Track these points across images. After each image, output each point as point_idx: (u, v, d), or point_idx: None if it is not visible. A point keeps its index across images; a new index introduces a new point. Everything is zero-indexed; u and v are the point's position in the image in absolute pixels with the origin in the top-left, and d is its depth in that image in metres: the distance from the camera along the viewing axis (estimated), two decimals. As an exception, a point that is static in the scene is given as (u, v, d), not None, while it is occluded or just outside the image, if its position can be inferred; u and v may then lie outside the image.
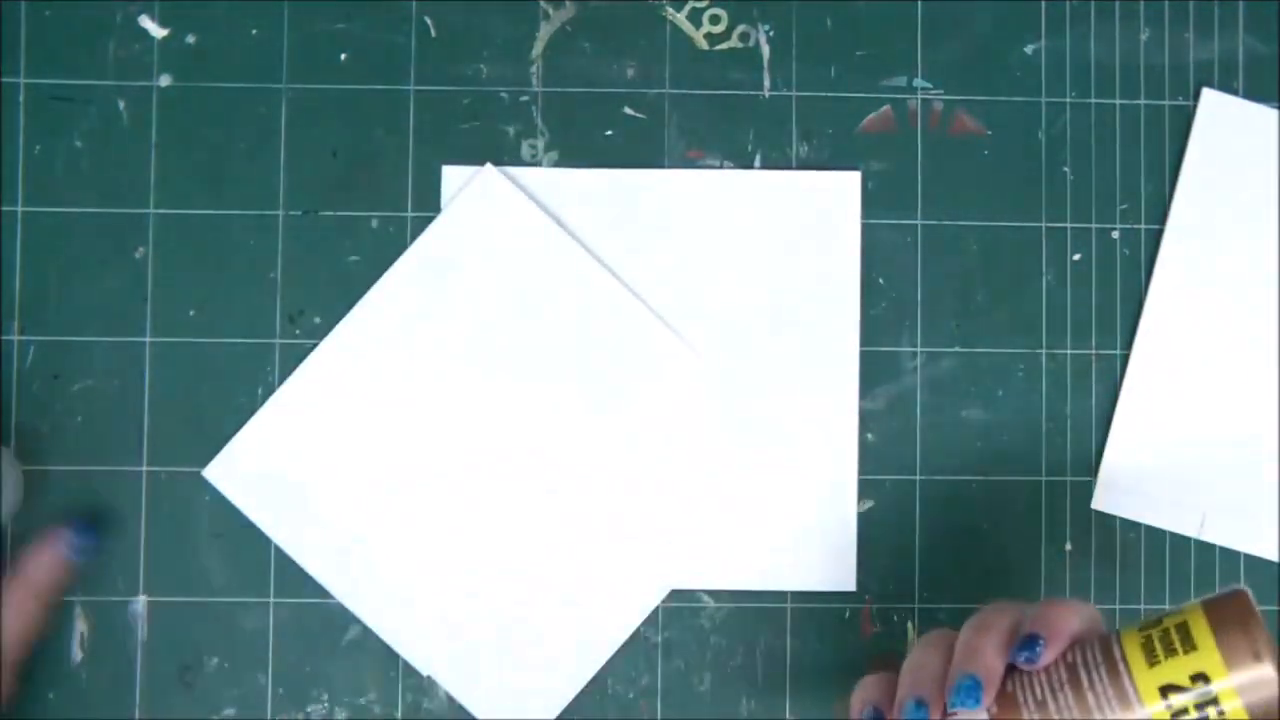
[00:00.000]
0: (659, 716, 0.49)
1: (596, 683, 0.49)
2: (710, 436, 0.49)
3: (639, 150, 0.50)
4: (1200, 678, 0.31)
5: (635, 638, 0.49)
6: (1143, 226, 0.51)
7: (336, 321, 0.49)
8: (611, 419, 0.49)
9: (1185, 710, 0.31)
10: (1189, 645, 0.31)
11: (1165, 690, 0.31)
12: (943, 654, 0.36)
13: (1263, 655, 0.30)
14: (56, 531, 0.47)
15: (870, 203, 0.50)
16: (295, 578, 0.49)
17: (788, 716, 0.49)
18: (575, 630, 0.48)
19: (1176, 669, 0.31)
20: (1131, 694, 0.32)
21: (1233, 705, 0.31)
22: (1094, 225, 0.51)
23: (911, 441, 0.50)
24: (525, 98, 0.50)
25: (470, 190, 0.49)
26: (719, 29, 0.51)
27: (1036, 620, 0.35)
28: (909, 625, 0.49)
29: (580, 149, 0.50)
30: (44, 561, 0.46)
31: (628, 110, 0.50)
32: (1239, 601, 0.32)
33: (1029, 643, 0.34)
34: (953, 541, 0.50)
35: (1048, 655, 0.34)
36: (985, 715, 0.34)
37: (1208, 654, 0.31)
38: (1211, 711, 0.31)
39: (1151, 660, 0.32)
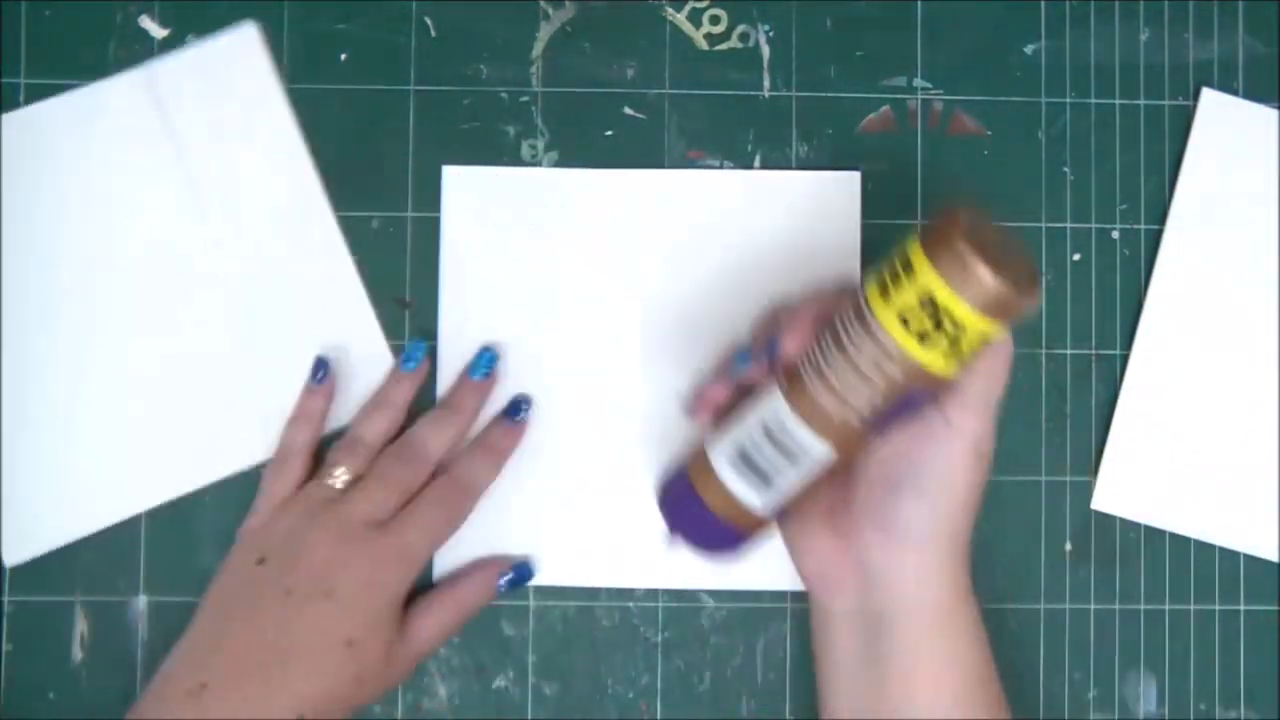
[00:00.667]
0: (659, 716, 0.49)
1: (596, 683, 0.49)
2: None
3: (639, 150, 0.50)
4: (927, 299, 0.33)
5: (635, 638, 0.49)
6: (1143, 226, 0.51)
7: (336, 321, 0.49)
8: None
9: (925, 331, 0.34)
10: (910, 272, 0.34)
11: (904, 319, 0.34)
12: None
13: (969, 262, 0.33)
14: (497, 558, 0.48)
15: (870, 203, 0.50)
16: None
17: (788, 716, 0.49)
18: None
19: (906, 297, 0.34)
20: (879, 333, 0.35)
21: (961, 310, 0.33)
22: (1094, 225, 0.51)
23: (911, 441, 0.50)
24: (525, 98, 0.50)
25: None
26: (719, 29, 0.51)
27: (776, 323, 0.40)
28: (909, 625, 0.49)
29: (580, 149, 0.50)
30: (476, 583, 0.47)
31: (628, 110, 0.50)
32: (945, 219, 0.34)
33: (770, 345, 0.40)
34: (953, 541, 0.50)
35: (785, 345, 0.38)
36: (776, 387, 0.38)
37: (926, 275, 0.33)
38: (945, 323, 0.34)
39: (885, 296, 0.35)
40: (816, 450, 0.38)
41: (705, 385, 0.43)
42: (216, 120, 0.49)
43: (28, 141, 0.48)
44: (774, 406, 0.38)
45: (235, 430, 0.48)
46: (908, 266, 0.34)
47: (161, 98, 0.48)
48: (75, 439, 0.48)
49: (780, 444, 0.38)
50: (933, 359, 0.35)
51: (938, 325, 0.34)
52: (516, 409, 0.49)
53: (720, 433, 0.40)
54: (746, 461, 0.39)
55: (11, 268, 0.48)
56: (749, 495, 0.39)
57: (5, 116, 0.49)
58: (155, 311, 0.48)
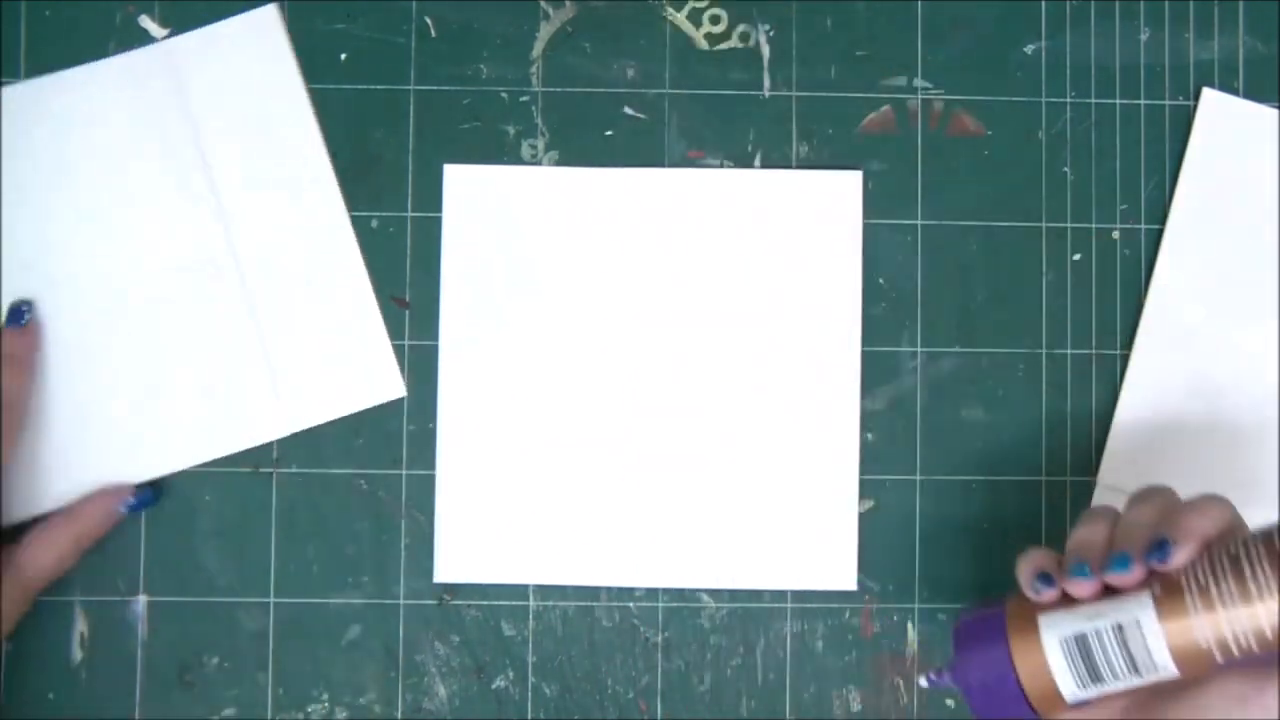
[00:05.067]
0: (659, 716, 0.49)
1: (596, 683, 0.49)
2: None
3: (639, 150, 0.50)
4: None
5: (635, 638, 0.49)
6: (1143, 226, 0.51)
7: (336, 321, 0.49)
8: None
9: None
10: None
11: None
12: (1106, 530, 0.39)
13: None
14: (118, 485, 0.47)
15: (870, 203, 0.50)
16: (295, 577, 0.49)
17: (788, 716, 0.49)
18: None
19: None
20: None
21: None
22: (1094, 225, 0.51)
23: (911, 441, 0.50)
24: (525, 98, 0.50)
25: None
26: (719, 29, 0.51)
27: (1168, 525, 0.37)
28: (909, 625, 0.49)
29: (580, 149, 0.50)
30: (95, 508, 0.47)
31: (628, 110, 0.50)
32: None
33: (1159, 547, 0.37)
34: (953, 541, 0.50)
35: (1178, 558, 0.36)
36: (1149, 594, 0.36)
37: None
38: None
39: None
40: (1166, 670, 0.36)
41: (1070, 581, 0.38)
42: (233, 100, 0.49)
43: (34, 114, 0.48)
44: (1140, 616, 0.36)
45: (233, 413, 0.48)
46: None
47: (179, 74, 0.48)
48: (79, 428, 0.48)
49: (1130, 652, 0.36)
50: None
51: None
52: (19, 314, 0.47)
53: (1062, 610, 0.38)
54: (1083, 652, 0.37)
55: (11, 253, 0.48)
56: (1067, 682, 0.37)
57: (6, 90, 0.49)
58: (153, 305, 0.48)
